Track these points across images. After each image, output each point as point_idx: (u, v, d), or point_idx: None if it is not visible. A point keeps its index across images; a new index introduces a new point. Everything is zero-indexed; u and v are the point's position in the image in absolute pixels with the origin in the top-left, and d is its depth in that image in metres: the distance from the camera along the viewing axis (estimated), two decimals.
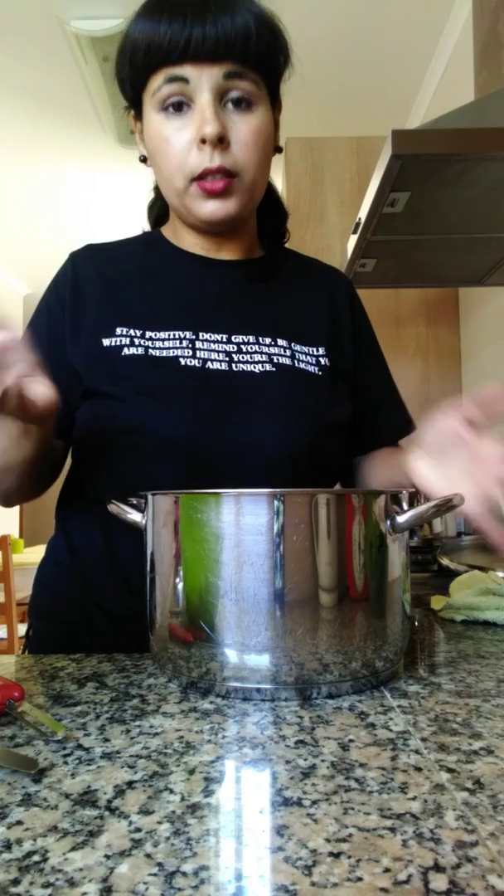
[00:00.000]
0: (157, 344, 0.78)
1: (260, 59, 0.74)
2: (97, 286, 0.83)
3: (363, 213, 1.38)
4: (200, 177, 0.74)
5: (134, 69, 0.75)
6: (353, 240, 1.52)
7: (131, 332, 0.78)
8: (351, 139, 2.45)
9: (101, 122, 3.11)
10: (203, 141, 0.72)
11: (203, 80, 0.72)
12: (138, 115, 0.80)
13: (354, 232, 1.49)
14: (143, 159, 0.82)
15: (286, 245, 0.95)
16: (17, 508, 5.95)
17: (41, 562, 0.86)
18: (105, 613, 0.77)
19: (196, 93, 0.72)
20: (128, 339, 0.78)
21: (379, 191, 1.22)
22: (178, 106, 0.73)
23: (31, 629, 0.85)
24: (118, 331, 0.78)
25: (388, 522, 0.54)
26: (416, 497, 0.62)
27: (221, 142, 0.72)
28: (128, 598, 0.74)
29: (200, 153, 0.73)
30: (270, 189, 0.89)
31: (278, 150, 0.83)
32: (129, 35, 0.74)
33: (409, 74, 2.70)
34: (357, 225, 1.45)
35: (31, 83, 2.85)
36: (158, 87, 0.73)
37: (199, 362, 0.77)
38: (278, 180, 3.02)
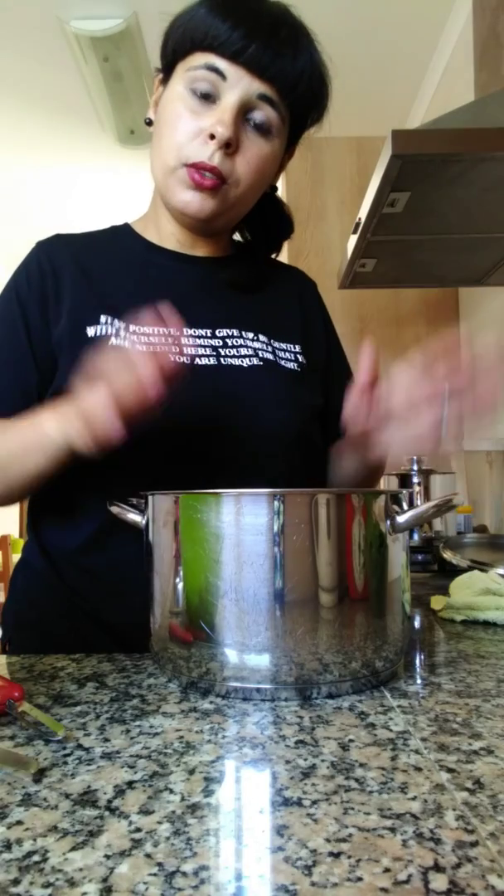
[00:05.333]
0: (143, 339, 0.76)
1: (299, 102, 0.75)
2: (73, 273, 0.80)
3: (363, 213, 1.38)
4: (194, 165, 0.73)
5: (182, 40, 0.74)
6: (353, 240, 1.52)
7: (116, 322, 0.77)
8: (351, 139, 2.45)
9: (101, 122, 3.11)
10: (212, 137, 0.72)
11: (240, 84, 0.72)
12: (165, 80, 0.79)
13: (354, 232, 1.49)
14: (149, 122, 0.81)
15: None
16: (17, 508, 5.95)
17: (15, 571, 0.84)
18: (93, 621, 0.76)
19: (226, 92, 0.72)
20: (113, 329, 0.76)
21: (379, 191, 1.22)
22: (206, 95, 0.73)
23: (7, 642, 0.81)
24: (102, 318, 0.77)
25: (388, 522, 0.54)
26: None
27: (228, 147, 0.73)
28: (113, 603, 0.73)
29: (204, 146, 0.73)
30: (276, 201, 0.90)
31: (273, 188, 0.84)
32: (197, 11, 0.73)
33: (409, 74, 2.69)
34: (357, 225, 1.45)
35: (31, 83, 2.85)
36: (196, 66, 0.73)
37: (187, 358, 0.76)
38: (278, 180, 3.01)
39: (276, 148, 0.77)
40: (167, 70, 0.78)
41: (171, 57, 0.77)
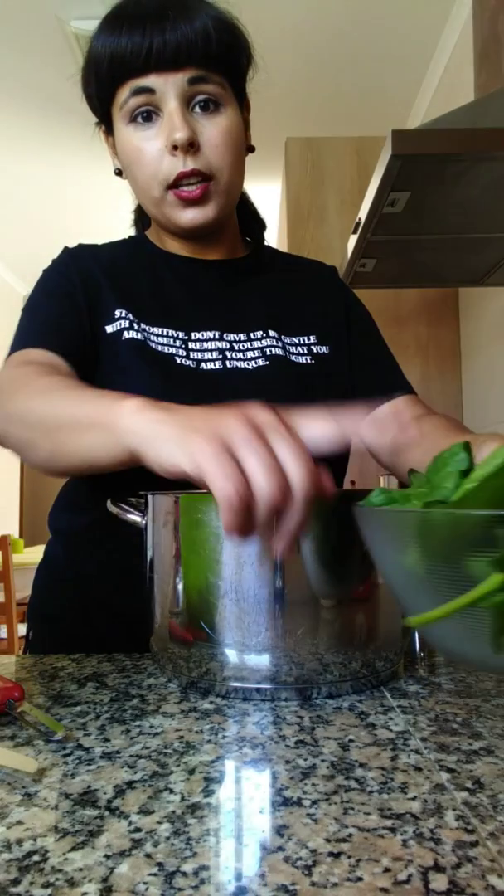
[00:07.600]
0: (153, 338, 0.77)
1: (222, 61, 0.74)
2: (96, 276, 0.82)
3: (363, 213, 1.38)
4: (175, 184, 0.74)
5: (100, 84, 0.75)
6: (353, 240, 1.53)
7: (129, 315, 0.78)
8: (351, 139, 2.45)
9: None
10: (175, 147, 0.73)
11: (168, 87, 0.72)
12: (109, 130, 0.80)
13: (354, 232, 1.50)
14: (119, 172, 0.83)
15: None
16: (17, 508, 5.95)
17: (39, 566, 0.86)
18: (105, 616, 0.77)
19: (163, 101, 0.73)
20: (126, 322, 0.77)
21: (379, 191, 1.22)
22: (147, 116, 0.74)
23: (30, 632, 0.84)
24: (117, 313, 0.78)
25: None
26: None
27: (192, 146, 0.73)
28: (125, 599, 0.73)
29: (173, 159, 0.73)
30: (245, 200, 0.89)
31: (251, 149, 0.83)
32: (92, 50, 0.74)
33: (409, 74, 2.70)
34: (357, 225, 1.46)
35: (32, 83, 2.85)
36: (125, 99, 0.74)
37: (193, 363, 0.77)
38: (278, 180, 3.02)
39: (231, 116, 0.76)
40: (106, 120, 0.79)
41: (103, 108, 0.78)
